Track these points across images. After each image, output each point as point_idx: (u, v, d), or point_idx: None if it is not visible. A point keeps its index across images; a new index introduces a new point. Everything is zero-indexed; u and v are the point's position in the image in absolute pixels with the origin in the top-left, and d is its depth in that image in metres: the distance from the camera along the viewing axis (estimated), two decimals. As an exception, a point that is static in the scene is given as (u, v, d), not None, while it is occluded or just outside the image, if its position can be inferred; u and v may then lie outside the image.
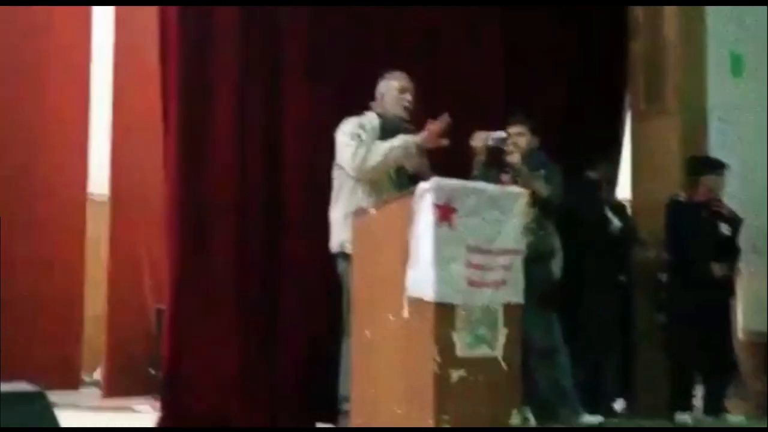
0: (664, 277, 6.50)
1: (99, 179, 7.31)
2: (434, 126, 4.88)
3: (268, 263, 5.63)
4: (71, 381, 6.93)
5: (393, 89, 5.13)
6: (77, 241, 7.16)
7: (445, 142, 4.91)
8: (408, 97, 5.12)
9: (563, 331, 5.48)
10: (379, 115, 5.09)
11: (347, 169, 4.94)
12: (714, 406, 6.17)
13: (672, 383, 6.23)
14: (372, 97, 5.20)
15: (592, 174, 6.41)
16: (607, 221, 6.18)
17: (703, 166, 6.45)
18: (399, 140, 4.91)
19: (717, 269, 6.16)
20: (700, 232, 6.23)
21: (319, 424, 5.30)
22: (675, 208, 6.39)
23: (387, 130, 5.02)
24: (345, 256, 4.81)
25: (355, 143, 4.90)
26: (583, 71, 7.05)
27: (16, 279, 6.53)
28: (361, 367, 4.34)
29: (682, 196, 6.41)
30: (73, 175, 7.13)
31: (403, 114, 5.10)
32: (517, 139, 5.49)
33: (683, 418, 6.07)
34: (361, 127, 4.98)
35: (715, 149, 6.84)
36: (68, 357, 6.98)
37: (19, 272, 6.57)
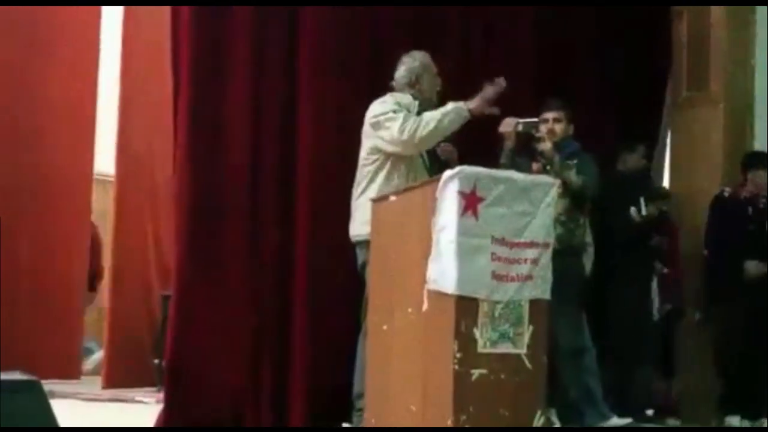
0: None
1: (105, 158, 7.38)
2: (490, 90, 4.87)
3: (281, 250, 5.67)
4: (72, 371, 7.00)
5: (430, 70, 5.09)
6: (81, 223, 7.22)
7: (495, 110, 4.91)
8: (439, 80, 5.10)
9: (592, 329, 5.49)
10: (414, 97, 5.03)
11: (391, 146, 4.86)
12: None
13: (721, 384, 6.27)
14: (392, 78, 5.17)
15: (620, 166, 6.44)
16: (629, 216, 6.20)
17: (750, 160, 6.48)
18: (450, 106, 4.87)
19: (752, 267, 6.18)
20: (738, 230, 6.25)
21: (337, 423, 5.34)
22: (717, 204, 6.43)
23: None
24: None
25: (401, 116, 4.84)
26: (620, 53, 7.03)
27: (17, 264, 6.60)
28: (377, 363, 4.38)
29: (727, 191, 6.44)
30: (78, 154, 7.20)
31: (436, 99, 5.06)
32: (554, 125, 5.50)
33: (733, 421, 6.11)
34: (398, 105, 4.93)
35: (763, 141, 6.83)
36: (69, 345, 7.05)
37: (19, 256, 6.65)
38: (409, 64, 5.11)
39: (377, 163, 4.94)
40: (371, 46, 5.92)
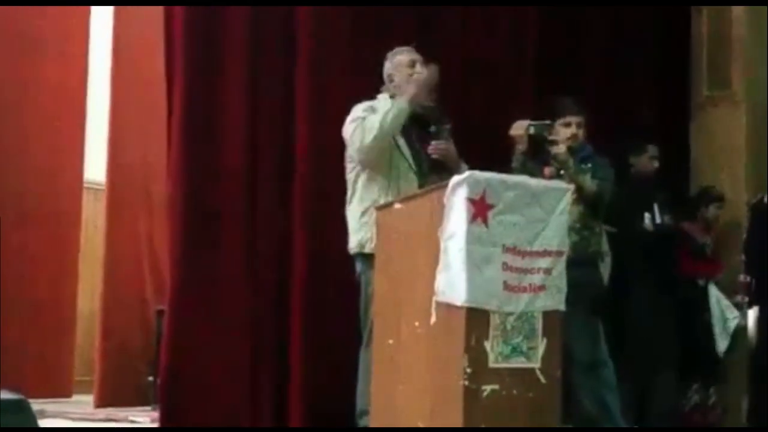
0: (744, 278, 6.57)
1: (95, 165, 7.39)
2: (421, 74, 4.94)
3: (280, 261, 5.68)
4: (62, 389, 7.00)
5: (402, 65, 5.09)
6: (71, 234, 7.22)
7: (430, 102, 4.97)
8: (418, 69, 5.07)
9: (609, 341, 5.49)
10: (393, 98, 5.04)
11: (355, 155, 4.94)
12: None
13: (750, 394, 6.28)
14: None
15: (632, 168, 6.43)
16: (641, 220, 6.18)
17: None
18: (389, 103, 4.91)
19: None
20: None
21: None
22: (756, 208, 6.44)
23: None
24: (365, 256, 4.84)
25: (355, 124, 4.90)
26: (635, 50, 7.03)
27: (2, 277, 6.59)
28: (382, 379, 4.37)
29: None
30: (67, 161, 7.20)
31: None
32: (578, 131, 5.47)
33: None
34: (370, 109, 4.96)
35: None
36: (59, 362, 7.05)
37: (6, 268, 6.64)
38: (386, 63, 5.17)
39: (356, 170, 5.00)
40: (374, 44, 5.91)
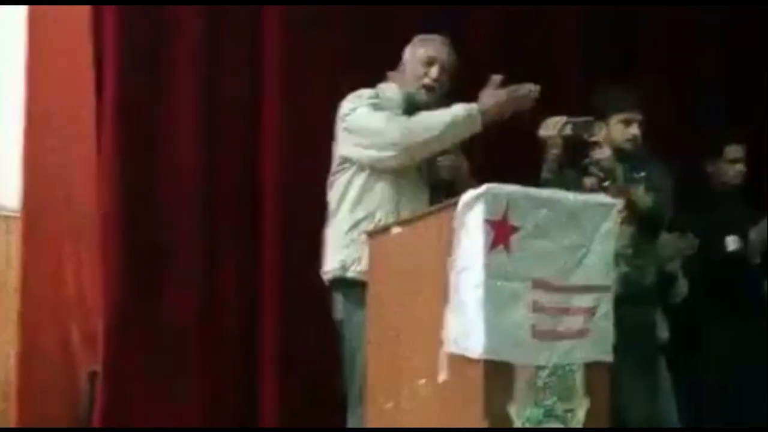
0: None
1: (6, 186, 7.40)
2: (517, 92, 4.85)
3: (243, 302, 5.72)
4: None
5: (416, 59, 5.08)
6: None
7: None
8: (434, 72, 5.03)
9: (680, 397, 5.51)
10: (405, 91, 5.06)
11: (370, 152, 4.84)
12: None
13: None
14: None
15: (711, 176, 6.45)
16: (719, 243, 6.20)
17: None
18: (461, 110, 4.78)
19: None
20: None
21: None
22: None
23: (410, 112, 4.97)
24: (347, 284, 4.78)
25: (383, 113, 4.84)
26: (709, 31, 7.10)
27: None
28: (381, 453, 4.40)
29: None
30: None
31: (422, 95, 5.01)
32: (634, 131, 5.49)
33: None
34: (377, 97, 4.96)
35: None
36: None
37: None
38: (408, 46, 5.17)
39: (350, 172, 4.94)
40: (356, 36, 5.99)
